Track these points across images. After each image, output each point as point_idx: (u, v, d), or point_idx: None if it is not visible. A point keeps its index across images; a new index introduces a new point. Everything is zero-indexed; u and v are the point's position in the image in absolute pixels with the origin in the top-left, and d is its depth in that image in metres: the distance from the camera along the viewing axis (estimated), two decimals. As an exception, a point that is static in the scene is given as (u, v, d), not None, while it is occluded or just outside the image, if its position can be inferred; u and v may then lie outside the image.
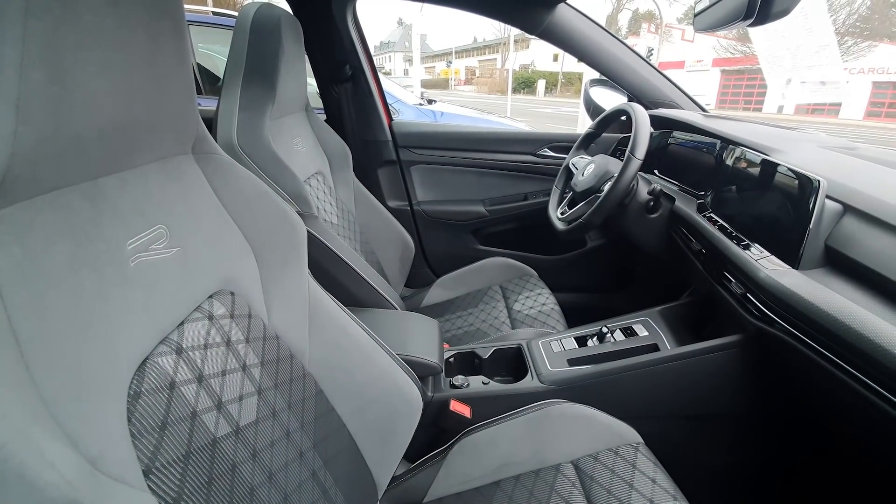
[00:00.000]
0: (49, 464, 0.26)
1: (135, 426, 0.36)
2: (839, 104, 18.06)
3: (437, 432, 0.89)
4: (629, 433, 0.71)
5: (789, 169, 0.72)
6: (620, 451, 0.68)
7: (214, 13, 3.02)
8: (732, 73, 21.12)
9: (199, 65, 2.73)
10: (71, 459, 0.28)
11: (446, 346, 1.04)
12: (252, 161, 0.88)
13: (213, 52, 2.82)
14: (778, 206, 0.75)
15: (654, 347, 0.93)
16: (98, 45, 0.34)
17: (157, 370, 0.39)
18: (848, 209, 0.65)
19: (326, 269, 0.94)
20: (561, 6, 1.31)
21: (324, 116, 1.52)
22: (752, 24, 0.80)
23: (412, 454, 0.74)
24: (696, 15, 1.05)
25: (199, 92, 2.56)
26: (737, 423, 0.87)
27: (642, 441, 0.70)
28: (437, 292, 1.34)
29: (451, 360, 1.01)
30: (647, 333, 0.98)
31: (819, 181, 0.65)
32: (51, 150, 0.33)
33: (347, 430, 0.60)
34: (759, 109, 19.77)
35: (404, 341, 0.88)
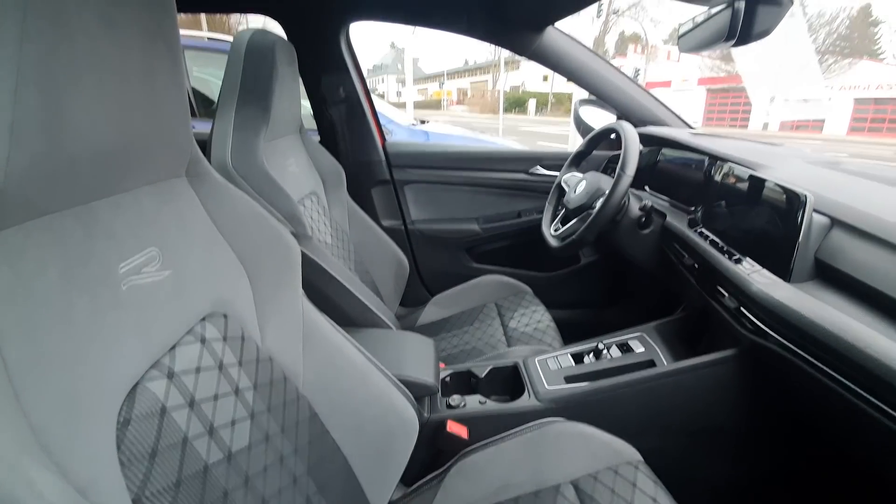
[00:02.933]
0: (38, 494, 0.26)
1: (124, 454, 0.35)
2: (822, 120, 18.55)
3: (433, 454, 0.88)
4: (628, 451, 0.70)
5: (776, 184, 0.73)
6: (620, 470, 0.67)
7: (210, 38, 3.07)
8: (718, 92, 21.66)
9: (193, 89, 2.76)
10: (60, 489, 0.28)
11: (442, 365, 1.03)
12: (246, 182, 0.88)
13: (208, 75, 2.85)
14: (767, 220, 0.76)
15: (651, 363, 0.93)
16: (93, 67, 0.34)
17: (148, 395, 0.38)
18: (836, 223, 0.66)
19: (321, 289, 0.93)
20: (549, 29, 1.35)
21: (318, 138, 1.53)
22: (734, 45, 0.82)
23: (409, 477, 0.72)
24: (680, 37, 1.08)
25: (193, 115, 2.57)
26: (736, 437, 0.86)
27: (642, 459, 0.69)
28: (433, 311, 1.33)
29: (448, 379, 1.00)
30: (643, 349, 0.97)
31: (806, 195, 0.66)
32: (44, 173, 0.32)
33: (342, 454, 0.59)
34: (745, 126, 20.24)
35: (400, 361, 0.87)
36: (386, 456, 0.64)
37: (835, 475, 0.77)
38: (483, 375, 0.99)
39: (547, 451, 0.71)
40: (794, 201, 0.67)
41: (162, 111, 0.44)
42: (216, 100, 0.96)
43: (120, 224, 0.41)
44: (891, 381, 0.48)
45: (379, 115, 1.59)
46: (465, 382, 1.01)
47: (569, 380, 0.93)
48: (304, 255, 0.67)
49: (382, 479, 0.64)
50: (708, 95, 21.86)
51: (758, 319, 0.70)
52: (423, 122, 3.87)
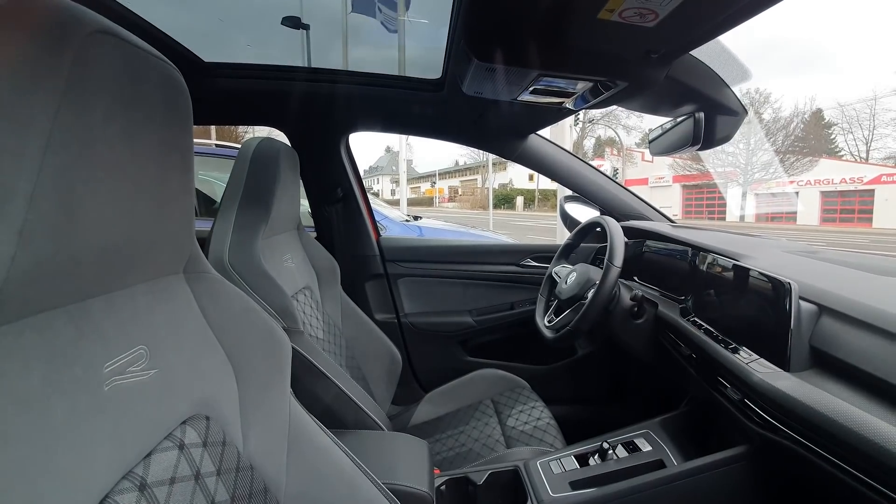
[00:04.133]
0: None
1: None
2: (795, 212, 19.69)
3: None
4: None
5: (760, 273, 0.75)
6: None
7: (217, 145, 3.30)
8: (692, 188, 23.17)
9: (197, 189, 2.90)
10: None
11: (437, 470, 0.96)
12: (241, 278, 0.89)
13: (212, 177, 3.02)
14: (756, 308, 0.77)
15: (660, 464, 0.87)
16: (110, 177, 0.36)
17: None
18: (823, 310, 0.67)
19: (310, 387, 0.89)
20: (532, 136, 1.48)
21: (314, 234, 1.58)
22: (699, 149, 0.91)
23: None
24: (650, 142, 1.19)
25: (195, 214, 2.66)
26: None
27: None
28: (426, 409, 1.26)
29: (443, 487, 0.91)
30: (650, 448, 0.92)
31: (790, 284, 0.67)
32: (46, 272, 0.33)
33: None
34: (723, 219, 21.33)
35: (391, 467, 0.81)
36: None
37: None
38: (481, 482, 0.91)
39: (556, 572, 0.63)
40: (780, 289, 0.69)
41: (169, 214, 0.46)
42: (218, 199, 1.01)
43: (111, 322, 0.40)
44: None
45: (374, 212, 1.66)
46: (461, 491, 0.92)
47: (574, 485, 0.86)
48: (294, 351, 0.65)
49: None
50: (684, 191, 23.31)
51: (764, 412, 0.68)
52: (416, 217, 4.04)
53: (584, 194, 1.52)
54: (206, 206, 2.89)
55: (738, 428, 0.77)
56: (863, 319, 0.61)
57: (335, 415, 0.93)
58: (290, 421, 0.57)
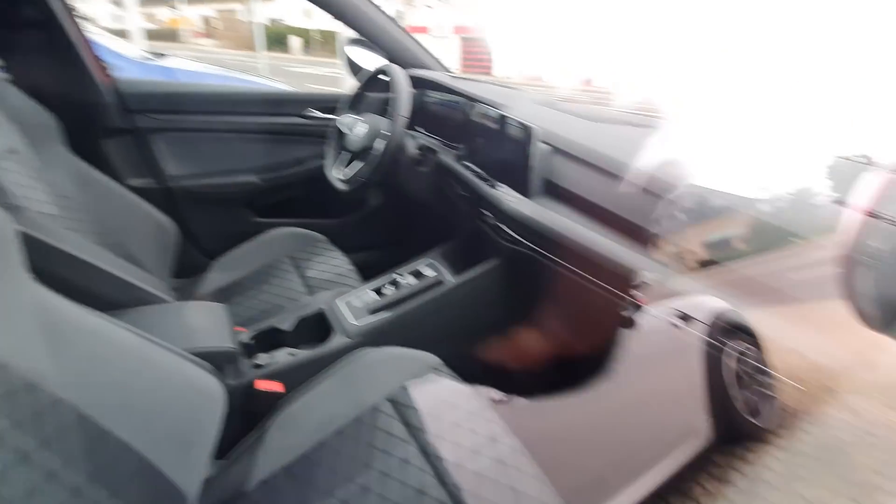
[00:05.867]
0: None
1: None
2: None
3: (250, 419, 0.84)
4: (429, 358, 0.81)
5: (515, 120, 0.90)
6: (425, 375, 0.78)
7: None
8: (471, 41, 23.98)
9: None
10: None
11: (243, 329, 0.96)
12: None
13: None
14: (510, 150, 0.93)
15: (440, 283, 1.07)
16: None
17: None
18: (555, 150, 0.87)
19: (57, 272, 0.73)
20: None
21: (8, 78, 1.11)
22: None
23: (226, 450, 0.68)
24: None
25: None
26: (508, 326, 1.08)
27: (441, 361, 0.82)
28: (217, 277, 1.20)
29: (252, 341, 0.94)
30: (433, 273, 1.11)
31: (532, 128, 0.84)
32: None
33: (134, 450, 0.52)
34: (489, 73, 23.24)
35: (187, 334, 0.78)
36: (192, 435, 0.59)
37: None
38: (288, 328, 0.97)
39: (360, 379, 0.76)
40: (527, 133, 0.85)
41: None
42: None
43: None
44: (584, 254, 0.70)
45: (95, 46, 1.24)
46: (270, 340, 0.97)
47: (373, 312, 1.00)
48: (20, 234, 0.51)
49: (192, 462, 0.58)
50: (464, 44, 23.99)
51: (511, 230, 0.89)
52: (160, 55, 3.18)
53: (369, 38, 1.43)
54: None
55: (494, 247, 0.99)
56: (577, 155, 0.81)
57: (103, 297, 0.80)
58: (43, 310, 0.48)
